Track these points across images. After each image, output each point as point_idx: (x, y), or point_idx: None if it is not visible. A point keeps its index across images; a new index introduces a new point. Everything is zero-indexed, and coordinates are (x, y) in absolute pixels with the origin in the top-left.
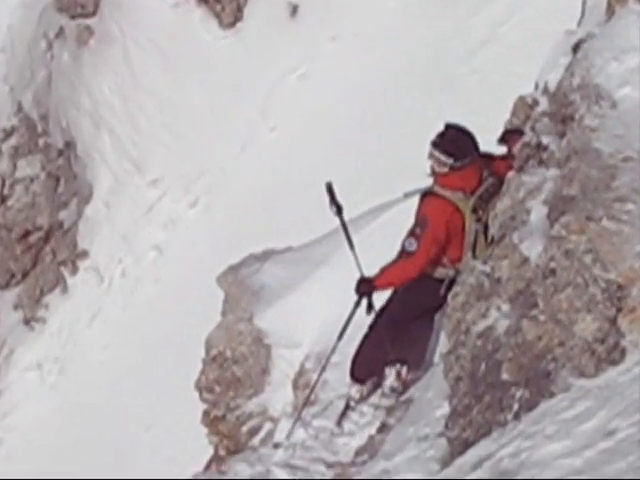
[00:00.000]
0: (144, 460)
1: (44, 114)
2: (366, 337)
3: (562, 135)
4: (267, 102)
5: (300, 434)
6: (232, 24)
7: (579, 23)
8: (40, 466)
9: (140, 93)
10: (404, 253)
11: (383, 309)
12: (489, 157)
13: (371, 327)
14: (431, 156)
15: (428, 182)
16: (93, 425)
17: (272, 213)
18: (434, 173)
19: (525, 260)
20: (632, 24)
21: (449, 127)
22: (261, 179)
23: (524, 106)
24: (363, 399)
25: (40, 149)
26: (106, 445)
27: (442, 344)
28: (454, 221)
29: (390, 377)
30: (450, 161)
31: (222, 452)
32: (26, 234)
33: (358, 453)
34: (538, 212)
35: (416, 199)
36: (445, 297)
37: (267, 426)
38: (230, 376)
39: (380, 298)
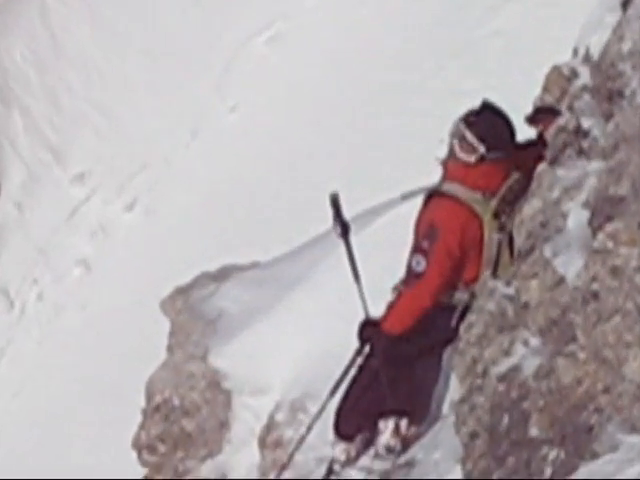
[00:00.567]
0: None
1: None
2: (355, 380)
3: (608, 117)
4: (225, 74)
5: None
6: None
7: None
8: None
9: (62, 62)
10: (412, 275)
11: (381, 347)
12: (518, 147)
13: (362, 367)
14: (458, 136)
15: (431, 180)
16: None
17: (232, 218)
18: (449, 160)
19: (560, 280)
20: None
21: (487, 106)
22: (218, 174)
23: (559, 78)
24: (351, 461)
25: None
26: None
27: (453, 389)
28: (470, 230)
29: (386, 432)
30: (482, 149)
31: None
32: None
33: None
34: (577, 217)
35: (418, 201)
36: (457, 328)
37: None
38: (178, 431)
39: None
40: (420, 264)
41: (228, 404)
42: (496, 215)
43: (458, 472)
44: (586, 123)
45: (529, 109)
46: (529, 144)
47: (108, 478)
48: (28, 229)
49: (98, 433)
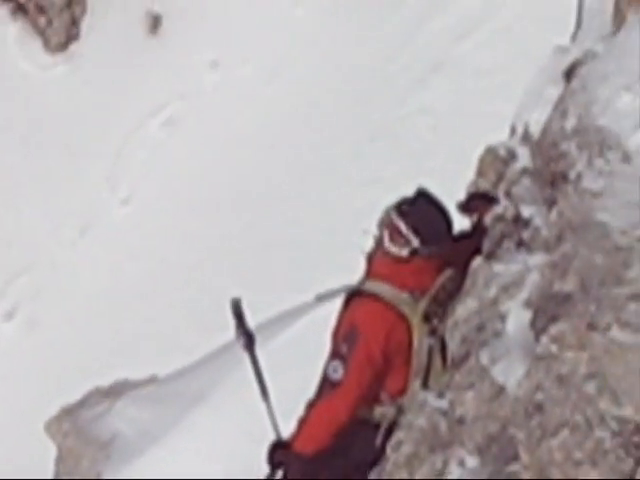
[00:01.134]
0: None
1: None
2: None
3: (551, 204)
4: (116, 162)
5: None
6: (64, 46)
7: (573, 36)
8: None
9: None
10: (327, 384)
11: (293, 472)
12: (453, 240)
13: None
14: (389, 227)
15: (350, 279)
16: None
17: (125, 326)
18: (376, 254)
19: (499, 391)
20: None
21: (423, 195)
22: (108, 276)
23: (495, 160)
24: None
25: None
26: None
27: None
28: (397, 334)
29: None
30: (415, 243)
31: None
32: None
33: None
34: (517, 319)
35: (335, 303)
36: (383, 448)
37: None
38: None
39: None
40: (337, 371)
41: None
42: (426, 317)
43: None
44: (526, 211)
45: (461, 196)
46: (462, 236)
47: None
48: None
49: None
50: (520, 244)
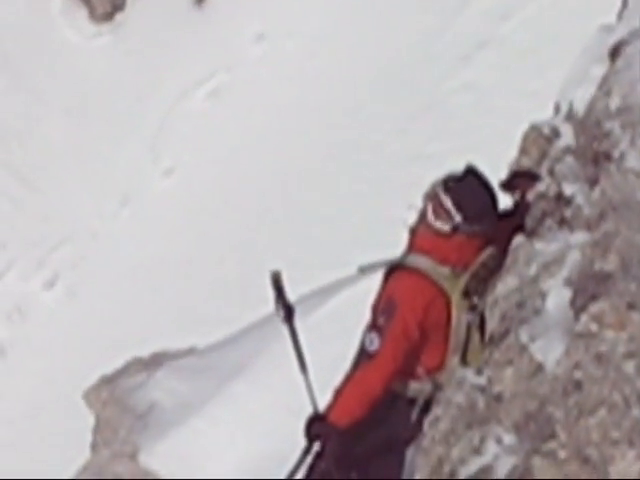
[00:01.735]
0: None
1: None
2: None
3: (594, 182)
4: (159, 133)
5: None
6: (109, 15)
7: (619, 15)
8: None
9: None
10: (363, 355)
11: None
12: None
13: (311, 468)
14: (433, 200)
15: (392, 254)
16: None
17: (165, 298)
18: (419, 227)
19: (538, 368)
20: None
21: (471, 172)
22: (149, 248)
23: (539, 138)
24: None
25: None
26: None
27: None
28: (436, 309)
29: None
30: (458, 219)
31: None
32: None
33: None
34: (557, 297)
35: (377, 277)
36: (420, 424)
37: None
38: None
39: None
40: (373, 343)
41: None
42: (466, 294)
43: None
44: (569, 189)
45: (504, 174)
46: (505, 214)
47: None
48: None
49: None
50: (562, 222)
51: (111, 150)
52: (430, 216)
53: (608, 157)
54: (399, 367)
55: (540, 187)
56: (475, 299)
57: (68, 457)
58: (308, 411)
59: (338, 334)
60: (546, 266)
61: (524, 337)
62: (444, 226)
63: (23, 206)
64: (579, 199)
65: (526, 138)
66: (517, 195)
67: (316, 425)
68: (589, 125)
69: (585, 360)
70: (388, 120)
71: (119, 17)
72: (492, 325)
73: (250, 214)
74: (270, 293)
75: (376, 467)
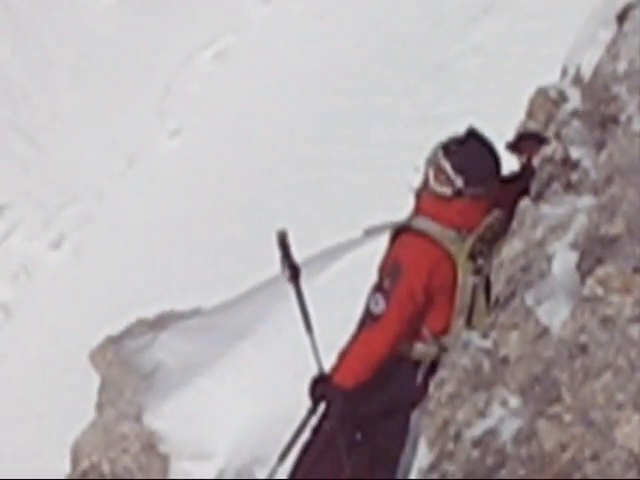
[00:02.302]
0: None
1: None
2: (310, 444)
3: (600, 146)
4: (166, 95)
5: None
6: None
7: None
8: None
9: None
10: (368, 317)
11: (334, 405)
12: (501, 182)
13: (316, 430)
14: (434, 165)
15: (400, 216)
16: None
17: (171, 259)
18: (423, 191)
19: (544, 332)
20: None
21: (472, 135)
22: (156, 208)
23: (546, 102)
24: None
25: None
26: None
27: (421, 456)
28: (441, 272)
29: None
30: (459, 183)
31: None
32: None
33: None
34: (563, 260)
35: (384, 239)
36: (425, 386)
37: None
38: None
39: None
40: (379, 304)
41: (165, 470)
42: (472, 256)
43: None
44: (575, 153)
45: (511, 138)
46: (511, 177)
47: None
48: None
49: None
50: (568, 186)
51: (118, 111)
52: (432, 181)
53: (615, 121)
54: (404, 329)
55: (547, 151)
56: (481, 262)
57: (73, 417)
58: (314, 372)
59: (344, 296)
60: (552, 230)
61: (530, 300)
62: (446, 191)
63: (29, 166)
64: (586, 163)
65: (533, 102)
66: (523, 158)
67: (321, 386)
68: (596, 89)
69: (591, 324)
70: (396, 83)
71: None
72: (498, 288)
73: (256, 175)
74: (277, 254)
75: (381, 429)
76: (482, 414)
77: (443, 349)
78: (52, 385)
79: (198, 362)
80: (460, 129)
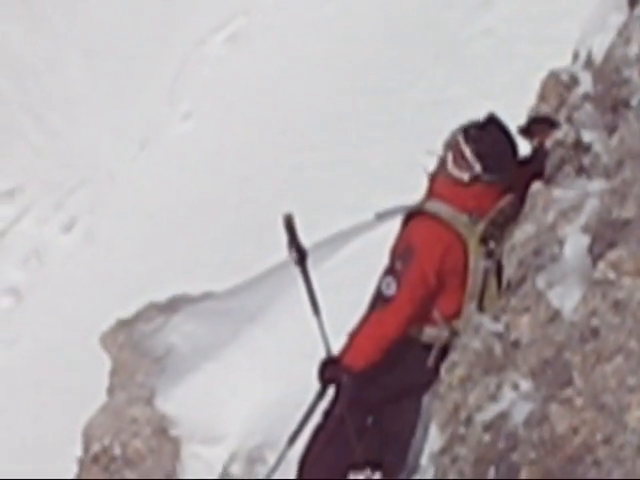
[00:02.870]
0: None
1: None
2: (321, 428)
3: (612, 130)
4: (178, 78)
5: None
6: None
7: None
8: None
9: None
10: (379, 299)
11: (346, 389)
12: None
13: (327, 413)
14: (453, 148)
15: (411, 198)
16: None
17: (183, 242)
18: (438, 174)
19: (555, 315)
20: None
21: (492, 121)
22: (168, 191)
23: (557, 85)
24: None
25: None
26: None
27: (433, 439)
28: (453, 255)
29: None
30: (477, 168)
31: None
32: None
33: None
34: (575, 244)
35: (395, 223)
36: (436, 370)
37: None
38: None
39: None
40: (390, 287)
41: (176, 454)
42: (484, 240)
43: None
44: (587, 137)
45: (523, 121)
46: (523, 161)
47: None
48: None
49: None
50: (580, 170)
51: (130, 94)
52: (450, 164)
53: (626, 104)
54: (415, 312)
55: (558, 134)
56: (492, 246)
57: (85, 401)
58: (322, 355)
59: (354, 280)
60: (564, 213)
61: (541, 284)
62: (463, 175)
63: (41, 149)
64: (597, 146)
65: (545, 85)
66: (535, 142)
67: (330, 368)
68: (608, 72)
69: (602, 307)
70: (407, 66)
71: None
72: (509, 272)
73: (268, 158)
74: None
75: (392, 413)
76: (493, 398)
77: (454, 333)
78: (63, 369)
79: (209, 346)
80: (472, 112)
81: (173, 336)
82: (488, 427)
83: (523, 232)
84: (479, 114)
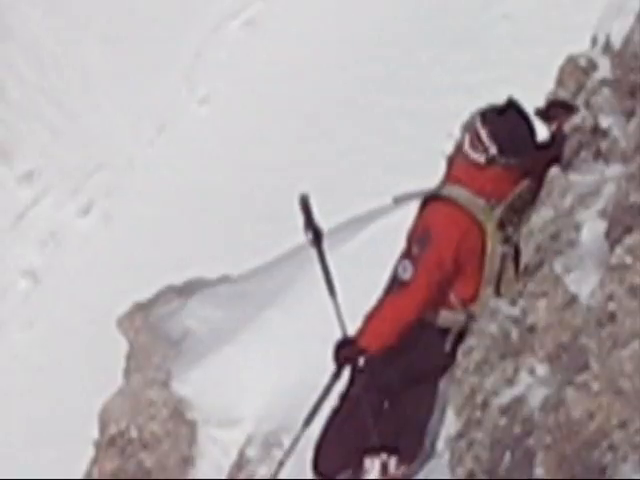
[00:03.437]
0: None
1: None
2: (337, 412)
3: (630, 115)
4: (195, 61)
5: None
6: None
7: None
8: None
9: (10, 47)
10: (396, 283)
11: (362, 372)
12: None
13: (344, 397)
14: (470, 130)
15: (430, 184)
16: None
17: (200, 226)
18: (456, 157)
19: (572, 300)
20: None
21: (512, 106)
22: (185, 175)
23: (575, 70)
24: None
25: None
26: None
27: (449, 423)
28: (470, 240)
29: (372, 472)
30: (493, 150)
31: None
32: None
33: None
34: (592, 229)
35: (413, 207)
36: (453, 354)
37: None
38: (136, 467)
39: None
40: (407, 271)
41: (193, 437)
42: (501, 225)
43: None
44: (605, 122)
45: (539, 105)
46: (541, 145)
47: None
48: None
49: (45, 470)
50: (597, 154)
51: (147, 78)
52: (466, 147)
53: None
54: (431, 296)
55: (576, 119)
56: (510, 231)
57: (101, 383)
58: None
59: (372, 264)
60: (581, 198)
61: (558, 268)
62: (479, 157)
63: (59, 133)
64: (615, 131)
65: (563, 70)
66: (553, 127)
67: (345, 349)
68: (626, 57)
69: (619, 292)
70: (426, 51)
71: None
72: (527, 256)
73: (285, 142)
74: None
75: (409, 397)
76: (510, 382)
77: (471, 317)
78: (80, 351)
79: (226, 329)
80: (490, 97)
81: (190, 319)
82: (504, 411)
83: (540, 217)
84: (498, 99)
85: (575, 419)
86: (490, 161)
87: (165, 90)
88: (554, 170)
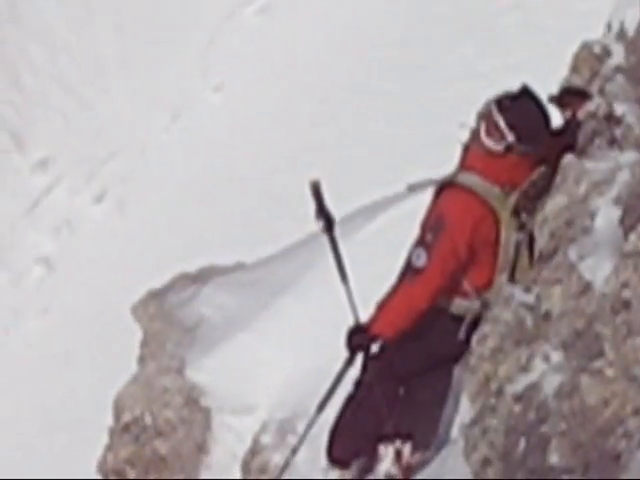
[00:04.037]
0: None
1: None
2: (351, 399)
3: None
4: (209, 49)
5: None
6: None
7: None
8: None
9: (23, 35)
10: (409, 270)
11: (376, 359)
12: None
13: (358, 384)
14: (487, 119)
15: (443, 172)
16: None
17: (214, 213)
18: (472, 145)
19: (586, 287)
20: None
21: (527, 93)
22: (199, 163)
23: (590, 57)
24: None
25: None
26: None
27: (463, 411)
28: (484, 228)
29: (386, 459)
30: (511, 139)
31: None
32: None
33: None
34: (607, 216)
35: (426, 194)
36: (467, 342)
37: None
38: (150, 454)
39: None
40: (420, 258)
41: (207, 424)
42: (516, 212)
43: None
44: (619, 109)
45: (553, 92)
46: (556, 132)
47: None
48: None
49: (59, 457)
50: (612, 141)
51: (161, 65)
52: (483, 135)
53: None
54: (445, 284)
55: (590, 106)
56: (524, 217)
57: (116, 370)
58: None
59: (386, 251)
60: (596, 185)
61: (573, 256)
62: (497, 146)
63: (73, 120)
64: (629, 118)
65: (577, 57)
66: (568, 114)
67: (358, 335)
68: None
69: (634, 279)
70: (437, 38)
71: None
72: (541, 243)
73: (299, 130)
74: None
75: (423, 384)
76: (524, 369)
77: (485, 304)
78: (94, 339)
79: (240, 316)
80: (503, 85)
81: (204, 306)
82: (519, 398)
83: (555, 204)
84: (511, 87)
85: (590, 406)
86: (508, 149)
87: (179, 77)
88: (568, 157)
